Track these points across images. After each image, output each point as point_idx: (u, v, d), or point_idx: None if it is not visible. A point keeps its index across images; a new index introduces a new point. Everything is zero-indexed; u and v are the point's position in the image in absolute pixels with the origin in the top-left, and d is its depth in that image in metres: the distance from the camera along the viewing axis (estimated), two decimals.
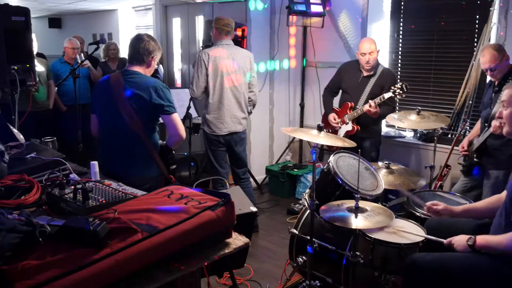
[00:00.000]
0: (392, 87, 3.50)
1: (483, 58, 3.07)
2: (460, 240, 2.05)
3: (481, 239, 1.99)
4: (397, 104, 3.84)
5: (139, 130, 2.57)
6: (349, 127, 3.82)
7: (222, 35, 3.67)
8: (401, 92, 3.47)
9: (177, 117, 2.66)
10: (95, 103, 2.77)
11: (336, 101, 4.10)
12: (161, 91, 2.58)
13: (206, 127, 3.72)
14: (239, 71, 3.68)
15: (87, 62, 5.16)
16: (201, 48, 4.06)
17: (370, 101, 3.57)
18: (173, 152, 2.78)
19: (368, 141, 3.84)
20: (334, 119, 3.91)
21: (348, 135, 3.84)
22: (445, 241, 2.14)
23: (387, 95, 3.51)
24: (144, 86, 2.56)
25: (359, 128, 3.78)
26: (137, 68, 2.63)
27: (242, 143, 3.87)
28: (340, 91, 4.03)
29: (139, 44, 2.62)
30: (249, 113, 3.94)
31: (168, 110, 2.60)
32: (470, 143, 3.27)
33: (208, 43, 4.20)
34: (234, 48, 3.72)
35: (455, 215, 2.37)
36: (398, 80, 3.76)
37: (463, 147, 3.31)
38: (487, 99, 3.20)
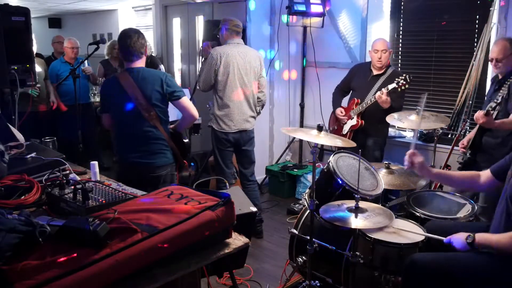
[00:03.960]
0: (396, 79, 3.50)
1: (494, 47, 3.10)
2: (458, 238, 2.06)
3: (480, 237, 1.99)
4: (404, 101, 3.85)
5: (156, 123, 2.77)
6: (353, 121, 3.82)
7: (233, 35, 3.70)
8: (404, 82, 3.47)
9: (187, 99, 2.88)
10: (108, 104, 2.86)
11: (345, 101, 4.11)
12: (169, 79, 2.80)
13: (215, 123, 3.71)
14: (249, 70, 3.69)
15: (89, 69, 5.21)
16: (201, 48, 4.05)
17: (383, 89, 3.56)
18: (187, 139, 3.07)
19: (372, 139, 3.84)
20: (341, 112, 3.92)
21: (352, 129, 3.84)
22: (444, 239, 2.14)
23: (391, 86, 3.51)
24: (156, 79, 2.75)
25: (363, 122, 3.78)
26: (139, 63, 2.80)
27: (251, 142, 3.86)
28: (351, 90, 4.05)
29: (134, 41, 2.75)
30: (258, 113, 3.94)
31: (179, 95, 2.80)
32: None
33: (209, 41, 4.20)
34: (244, 47, 3.75)
35: (429, 175, 2.44)
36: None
37: (463, 144, 3.31)
38: (487, 96, 3.21)
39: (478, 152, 3.12)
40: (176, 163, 2.93)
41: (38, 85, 4.56)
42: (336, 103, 4.07)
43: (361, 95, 3.83)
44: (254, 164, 3.97)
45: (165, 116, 2.83)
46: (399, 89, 3.51)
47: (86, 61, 5.24)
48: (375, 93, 3.72)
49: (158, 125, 2.77)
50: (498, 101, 2.83)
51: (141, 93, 2.70)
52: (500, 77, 3.11)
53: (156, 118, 2.75)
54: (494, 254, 1.98)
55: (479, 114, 2.88)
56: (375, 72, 3.81)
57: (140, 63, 2.80)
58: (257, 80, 3.78)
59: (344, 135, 3.89)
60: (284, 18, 4.89)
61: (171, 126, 2.96)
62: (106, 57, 5.84)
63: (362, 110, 3.76)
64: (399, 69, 4.56)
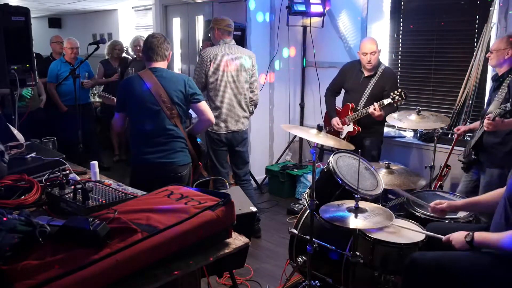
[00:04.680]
0: (392, 94, 3.51)
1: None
2: (458, 237, 2.06)
3: (479, 236, 1.99)
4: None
5: (177, 122, 2.79)
6: (350, 128, 3.82)
7: (225, 35, 3.68)
8: (399, 98, 3.49)
9: (206, 104, 2.95)
10: (127, 103, 2.82)
11: (339, 100, 4.10)
12: (190, 82, 2.86)
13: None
14: (240, 71, 3.68)
15: (89, 84, 5.33)
16: (201, 48, 4.06)
17: (375, 103, 3.56)
18: (201, 141, 3.11)
19: (369, 140, 3.85)
20: (338, 124, 3.90)
21: (349, 135, 3.85)
22: (443, 237, 2.14)
23: (386, 101, 3.53)
24: (179, 80, 2.81)
25: (360, 129, 3.79)
26: (161, 64, 2.84)
27: (244, 143, 3.86)
28: (343, 91, 4.03)
29: (160, 42, 2.81)
30: (251, 113, 3.93)
31: (199, 98, 2.87)
32: (468, 131, 3.28)
33: (208, 41, 4.20)
34: (235, 47, 3.73)
35: (458, 208, 2.43)
36: (399, 85, 3.75)
37: (458, 129, 3.33)
38: (489, 95, 3.21)
39: (480, 151, 3.12)
40: (191, 164, 2.95)
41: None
42: (330, 107, 4.04)
43: (355, 98, 3.83)
44: (248, 164, 3.98)
45: (184, 116, 2.87)
46: (394, 105, 3.53)
47: (86, 74, 5.30)
48: (369, 95, 3.73)
49: (179, 124, 2.80)
50: (507, 109, 2.78)
51: (164, 91, 2.72)
52: (499, 74, 3.10)
53: (177, 116, 2.78)
54: (494, 254, 1.99)
55: (486, 122, 2.83)
56: (366, 74, 3.80)
57: (163, 65, 2.84)
58: (249, 80, 3.77)
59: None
60: (284, 18, 4.89)
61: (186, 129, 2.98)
62: (106, 57, 5.85)
63: (358, 118, 3.76)
64: (399, 69, 4.57)
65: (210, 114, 2.95)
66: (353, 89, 3.86)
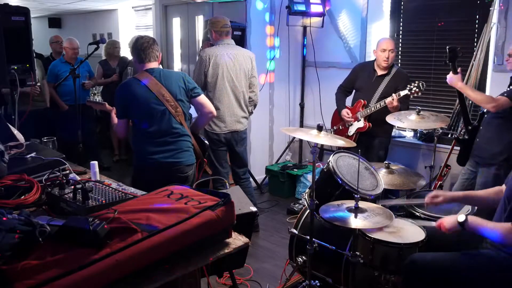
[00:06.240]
0: (409, 85, 3.50)
1: None
2: (450, 219, 2.08)
3: (473, 219, 2.00)
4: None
5: (182, 120, 2.80)
6: (360, 124, 3.81)
7: (223, 36, 3.69)
8: (417, 90, 3.46)
9: (205, 97, 2.99)
10: (129, 107, 2.78)
11: (348, 101, 4.10)
12: (188, 77, 2.90)
13: (207, 125, 3.72)
14: (239, 71, 3.68)
15: (89, 84, 5.35)
16: (201, 48, 4.06)
17: (393, 94, 3.55)
18: (204, 138, 3.14)
19: (378, 140, 3.84)
20: (348, 114, 3.90)
21: (359, 131, 3.84)
22: (435, 223, 2.16)
23: (403, 93, 3.50)
24: (177, 77, 2.83)
25: (370, 125, 3.77)
26: (155, 65, 2.84)
27: (243, 142, 3.87)
28: (354, 90, 4.03)
29: (150, 44, 2.82)
30: (250, 113, 3.93)
31: (199, 92, 2.91)
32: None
33: (208, 42, 4.20)
34: (235, 47, 3.73)
35: (455, 200, 2.42)
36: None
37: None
38: None
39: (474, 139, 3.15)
40: (196, 161, 2.95)
41: (38, 84, 4.57)
42: (341, 103, 4.04)
43: (366, 96, 3.82)
44: (247, 163, 3.99)
45: (187, 113, 2.88)
46: (411, 96, 3.51)
47: (87, 74, 5.31)
48: (381, 94, 3.71)
49: (183, 122, 2.81)
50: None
51: (166, 90, 2.73)
52: None
53: (181, 114, 2.79)
54: (493, 255, 1.99)
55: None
56: (379, 72, 3.79)
57: (156, 65, 2.84)
58: (248, 81, 3.78)
59: (350, 137, 3.87)
60: (284, 18, 4.89)
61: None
62: (104, 57, 5.86)
63: (369, 113, 3.75)
64: None
65: (211, 106, 2.97)
66: (365, 88, 3.85)
